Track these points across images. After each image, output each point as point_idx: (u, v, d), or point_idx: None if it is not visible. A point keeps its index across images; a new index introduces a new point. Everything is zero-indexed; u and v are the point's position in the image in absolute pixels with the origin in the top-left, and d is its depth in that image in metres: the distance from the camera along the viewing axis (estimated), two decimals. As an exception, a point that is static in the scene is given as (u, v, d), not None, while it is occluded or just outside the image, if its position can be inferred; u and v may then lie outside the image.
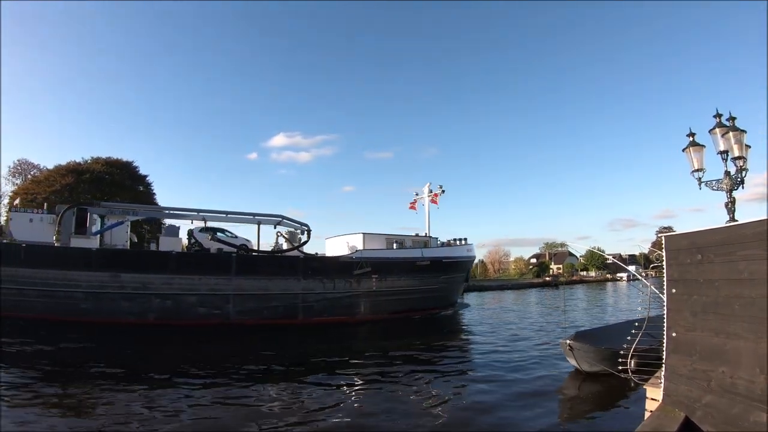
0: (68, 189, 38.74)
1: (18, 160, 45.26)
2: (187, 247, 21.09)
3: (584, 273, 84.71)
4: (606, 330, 13.24)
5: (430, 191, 27.88)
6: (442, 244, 26.93)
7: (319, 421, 8.03)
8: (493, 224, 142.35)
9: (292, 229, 23.53)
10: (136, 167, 42.08)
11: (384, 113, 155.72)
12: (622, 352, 8.65)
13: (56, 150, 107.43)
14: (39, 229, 20.01)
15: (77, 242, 19.58)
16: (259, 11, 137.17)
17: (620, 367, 8.68)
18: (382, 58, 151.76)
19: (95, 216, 20.70)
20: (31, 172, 44.45)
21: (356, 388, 10.52)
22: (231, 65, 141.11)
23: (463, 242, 27.63)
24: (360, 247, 23.69)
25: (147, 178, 42.56)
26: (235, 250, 21.04)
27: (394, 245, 24.70)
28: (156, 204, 40.82)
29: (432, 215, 27.83)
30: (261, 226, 22.58)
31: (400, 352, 14.45)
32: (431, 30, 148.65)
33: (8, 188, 43.49)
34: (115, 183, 39.63)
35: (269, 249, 23.37)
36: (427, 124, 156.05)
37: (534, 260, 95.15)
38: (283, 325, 19.95)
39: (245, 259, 20.95)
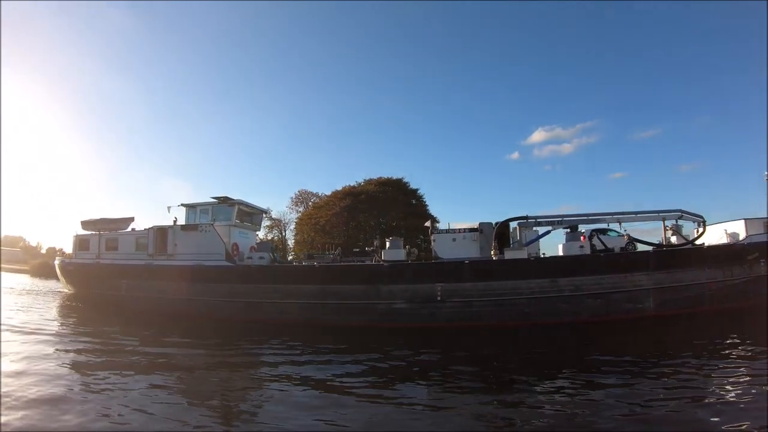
0: (347, 210, 42.32)
1: (299, 191, 50.72)
2: (592, 247, 21.80)
3: None
4: None
5: (797, 171, 26.40)
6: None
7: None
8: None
9: (675, 222, 23.40)
10: (407, 183, 45.01)
11: (645, 84, 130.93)
12: None
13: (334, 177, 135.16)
14: (461, 246, 21.73)
15: (511, 254, 20.92)
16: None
17: None
18: (627, 26, 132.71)
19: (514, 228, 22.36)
20: (311, 200, 49.44)
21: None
22: (480, 66, 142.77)
23: (826, 220, 25.95)
24: (742, 233, 23.06)
25: (418, 191, 45.19)
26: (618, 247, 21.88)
27: (776, 228, 23.70)
28: (430, 214, 43.21)
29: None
30: (652, 222, 23.08)
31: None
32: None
33: (293, 215, 48.67)
34: (389, 200, 42.51)
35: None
36: (697, 88, 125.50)
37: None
38: (693, 313, 20.14)
39: (662, 254, 21.43)
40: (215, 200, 24.54)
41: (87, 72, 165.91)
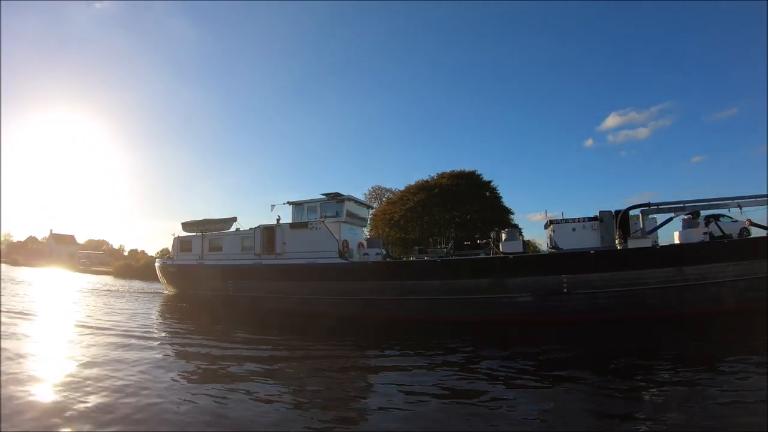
0: (421, 205, 42.33)
1: (372, 187, 51.28)
2: (710, 234, 21.06)
3: None
4: None
5: None
6: None
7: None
8: None
9: None
10: (480, 175, 44.69)
11: (717, 60, 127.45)
12: None
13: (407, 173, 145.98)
14: (581, 236, 21.23)
15: (635, 243, 20.42)
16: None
17: None
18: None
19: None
20: (385, 195, 49.78)
21: None
22: (547, 52, 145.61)
23: None
24: None
25: (491, 183, 44.97)
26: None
27: None
28: (504, 206, 42.82)
29: None
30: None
31: None
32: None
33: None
34: (461, 193, 42.33)
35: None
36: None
37: None
38: None
39: None
40: (324, 197, 24.46)
41: (153, 83, 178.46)
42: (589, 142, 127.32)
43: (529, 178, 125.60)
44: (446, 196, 42.18)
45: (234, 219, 27.34)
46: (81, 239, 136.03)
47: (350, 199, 24.88)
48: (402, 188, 45.90)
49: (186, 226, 28.74)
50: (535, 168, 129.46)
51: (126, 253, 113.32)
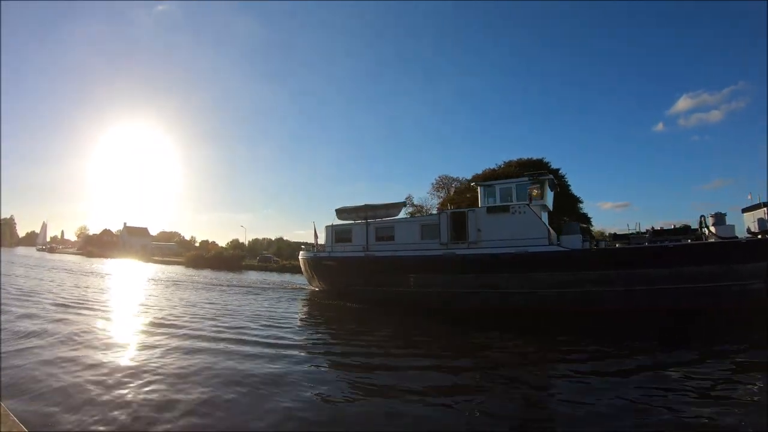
0: (489, 194, 42.40)
1: (440, 176, 50.72)
2: None
3: None
4: None
5: None
6: None
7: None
8: None
9: None
10: (548, 163, 44.83)
11: None
12: None
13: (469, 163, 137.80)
14: None
15: None
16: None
17: None
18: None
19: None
20: (453, 185, 49.08)
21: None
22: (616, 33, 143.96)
23: None
24: None
25: (559, 171, 45.07)
26: None
27: None
28: (573, 194, 44.00)
29: None
30: None
31: None
32: None
33: (434, 201, 48.49)
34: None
35: None
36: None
37: None
38: None
39: None
40: (525, 178, 22.61)
41: (217, 81, 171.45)
42: (660, 127, 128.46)
43: (599, 166, 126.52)
44: (514, 184, 42.52)
45: (404, 204, 25.50)
46: (153, 231, 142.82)
47: (551, 180, 23.29)
48: (469, 177, 45.63)
49: (342, 213, 26.50)
50: (605, 155, 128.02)
51: (197, 244, 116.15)
